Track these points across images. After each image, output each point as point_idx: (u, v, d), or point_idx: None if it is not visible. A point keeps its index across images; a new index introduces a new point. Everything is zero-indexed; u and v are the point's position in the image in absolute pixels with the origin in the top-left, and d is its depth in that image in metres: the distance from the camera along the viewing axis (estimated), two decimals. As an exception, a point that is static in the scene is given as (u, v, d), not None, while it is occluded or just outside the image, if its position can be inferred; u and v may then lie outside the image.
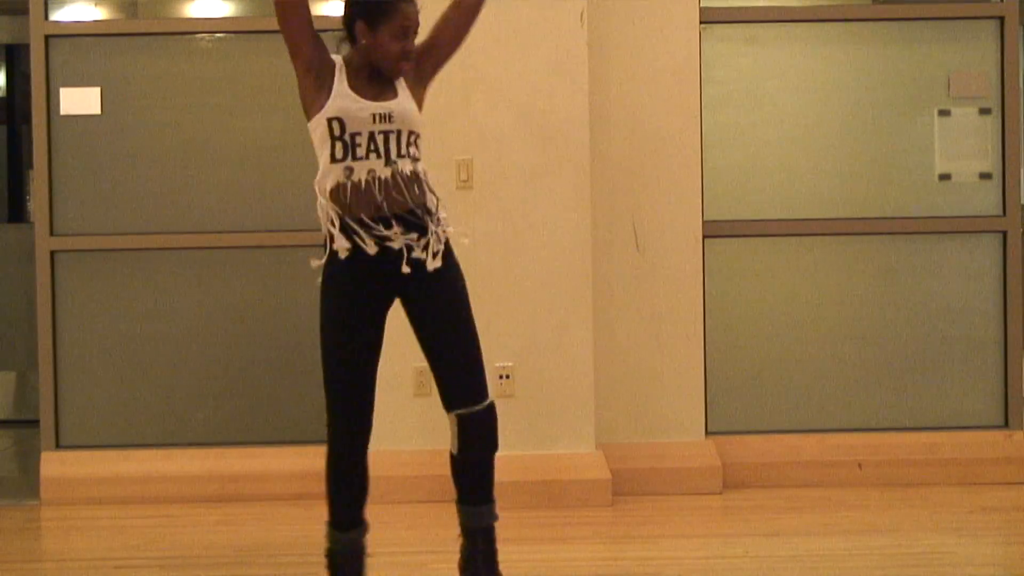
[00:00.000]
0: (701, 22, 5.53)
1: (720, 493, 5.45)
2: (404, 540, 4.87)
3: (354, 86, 3.65)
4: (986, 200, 5.70)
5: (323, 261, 3.71)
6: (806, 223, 5.68)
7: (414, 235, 3.63)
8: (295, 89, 5.59)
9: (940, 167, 5.70)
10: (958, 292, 5.71)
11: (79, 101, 5.60)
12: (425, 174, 3.69)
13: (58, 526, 5.26)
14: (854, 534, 4.84)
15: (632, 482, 5.41)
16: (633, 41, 5.48)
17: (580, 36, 5.33)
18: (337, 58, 3.74)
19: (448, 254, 3.70)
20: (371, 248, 3.61)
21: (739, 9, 5.70)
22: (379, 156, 3.58)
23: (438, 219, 3.69)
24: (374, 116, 3.59)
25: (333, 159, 3.60)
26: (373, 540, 5.00)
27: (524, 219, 5.33)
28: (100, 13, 5.88)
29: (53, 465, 5.56)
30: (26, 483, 5.80)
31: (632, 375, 5.51)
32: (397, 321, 5.48)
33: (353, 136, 3.58)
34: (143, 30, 5.66)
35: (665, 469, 5.46)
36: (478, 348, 3.73)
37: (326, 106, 3.61)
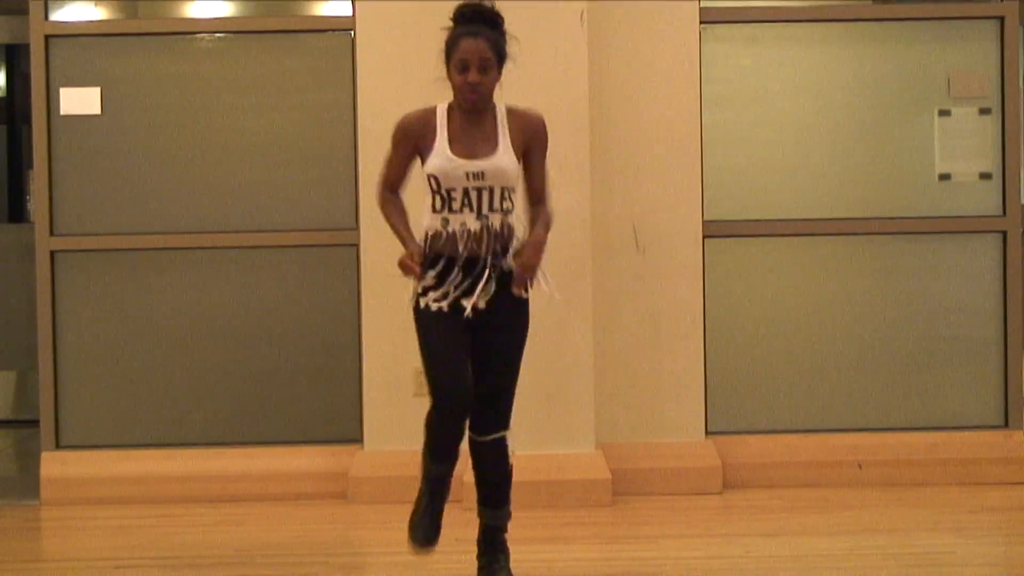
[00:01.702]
0: (701, 22, 5.53)
1: (720, 493, 5.45)
2: (404, 540, 4.86)
3: (453, 138, 3.93)
4: (986, 200, 5.70)
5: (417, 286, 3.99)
6: (806, 223, 5.68)
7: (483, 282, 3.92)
8: (295, 89, 5.65)
9: (940, 167, 5.70)
10: (958, 292, 5.71)
11: (79, 101, 5.60)
12: (515, 224, 3.96)
13: (58, 526, 5.26)
14: (854, 534, 4.84)
15: (632, 482, 5.41)
16: (633, 41, 5.48)
17: (580, 36, 5.33)
18: (440, 110, 3.97)
19: (520, 303, 4.02)
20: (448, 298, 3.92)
21: (739, 9, 5.70)
22: (472, 210, 3.88)
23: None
24: (467, 175, 3.88)
25: (433, 209, 3.92)
26: (373, 540, 5.02)
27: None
28: (100, 13, 5.88)
29: (53, 465, 5.56)
30: (26, 483, 5.80)
31: (632, 375, 5.51)
32: (398, 320, 5.49)
33: (449, 192, 3.89)
34: (143, 30, 5.66)
35: (665, 469, 5.46)
36: (511, 388, 4.07)
37: (427, 162, 3.93)
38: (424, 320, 3.95)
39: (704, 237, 5.55)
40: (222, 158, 5.63)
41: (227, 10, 5.96)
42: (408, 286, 3.99)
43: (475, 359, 3.98)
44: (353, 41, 5.47)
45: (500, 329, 3.98)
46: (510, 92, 5.31)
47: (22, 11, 5.69)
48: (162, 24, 5.76)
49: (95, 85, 5.61)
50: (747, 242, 5.67)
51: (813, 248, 5.70)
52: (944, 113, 5.69)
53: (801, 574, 4.38)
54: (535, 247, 3.88)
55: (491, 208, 3.88)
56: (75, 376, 5.62)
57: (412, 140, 3.97)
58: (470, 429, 4.02)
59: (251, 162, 5.63)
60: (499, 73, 3.93)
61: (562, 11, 5.32)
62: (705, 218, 5.55)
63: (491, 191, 3.88)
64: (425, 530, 4.04)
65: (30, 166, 6.51)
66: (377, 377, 5.44)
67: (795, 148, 5.71)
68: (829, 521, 5.04)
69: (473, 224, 3.87)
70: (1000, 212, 5.68)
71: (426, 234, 3.93)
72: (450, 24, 3.94)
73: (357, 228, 5.48)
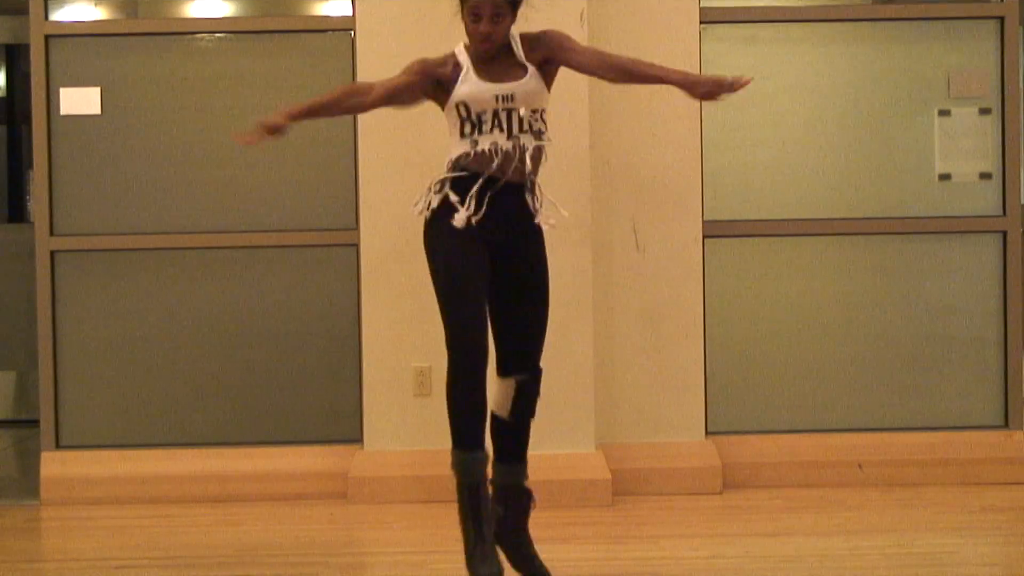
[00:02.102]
0: (701, 22, 5.53)
1: (720, 493, 5.45)
2: (404, 540, 4.88)
3: (479, 70, 3.95)
4: (986, 200, 5.70)
5: (427, 214, 3.98)
6: (806, 223, 5.68)
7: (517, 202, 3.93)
8: (295, 89, 5.63)
9: (940, 167, 5.70)
10: (958, 292, 5.71)
11: (79, 101, 5.60)
12: (546, 146, 3.98)
13: (58, 526, 5.26)
14: (854, 534, 4.84)
15: (632, 482, 5.41)
16: (633, 41, 5.47)
17: (580, 36, 5.31)
18: (458, 50, 4.01)
19: (539, 233, 4.01)
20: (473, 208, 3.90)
21: (739, 9, 5.70)
22: (502, 131, 3.89)
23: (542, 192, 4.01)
24: (496, 97, 3.90)
25: (462, 134, 3.93)
26: (373, 540, 5.02)
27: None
28: (100, 13, 5.88)
29: (53, 465, 5.55)
30: (26, 483, 5.80)
31: (632, 375, 5.51)
32: (398, 320, 5.49)
33: (479, 115, 3.90)
34: (143, 30, 5.66)
35: (665, 469, 5.46)
36: (546, 322, 4.06)
37: (454, 92, 3.93)
38: (440, 239, 3.92)
39: (704, 237, 5.55)
40: (222, 158, 5.63)
41: (227, 10, 5.96)
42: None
43: (503, 293, 3.94)
44: (353, 41, 5.47)
45: (526, 259, 3.97)
46: (510, 92, 5.33)
47: (22, 11, 5.69)
48: (162, 24, 5.76)
49: (95, 85, 5.61)
50: (747, 242, 5.67)
51: (813, 248, 5.70)
52: (944, 113, 5.69)
53: (801, 574, 4.37)
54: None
55: (521, 129, 3.90)
56: (75, 376, 5.62)
57: (431, 73, 3.97)
58: (518, 372, 3.99)
59: (251, 162, 5.62)
60: (514, 16, 3.97)
61: (562, 11, 5.31)
62: (705, 218, 5.55)
63: (520, 112, 3.90)
64: (487, 563, 3.86)
65: (30, 166, 6.51)
66: (377, 377, 5.44)
67: (795, 148, 5.70)
68: (829, 521, 5.04)
69: (504, 143, 3.88)
70: (1000, 212, 5.68)
71: (453, 159, 3.93)
72: None
73: (357, 228, 5.47)
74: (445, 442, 3.94)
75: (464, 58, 3.97)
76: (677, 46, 5.47)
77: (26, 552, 4.95)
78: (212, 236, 5.60)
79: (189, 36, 5.65)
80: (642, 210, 5.50)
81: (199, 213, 5.62)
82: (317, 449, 5.57)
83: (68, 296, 5.62)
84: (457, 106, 3.92)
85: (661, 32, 5.47)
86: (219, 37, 5.66)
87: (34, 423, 5.90)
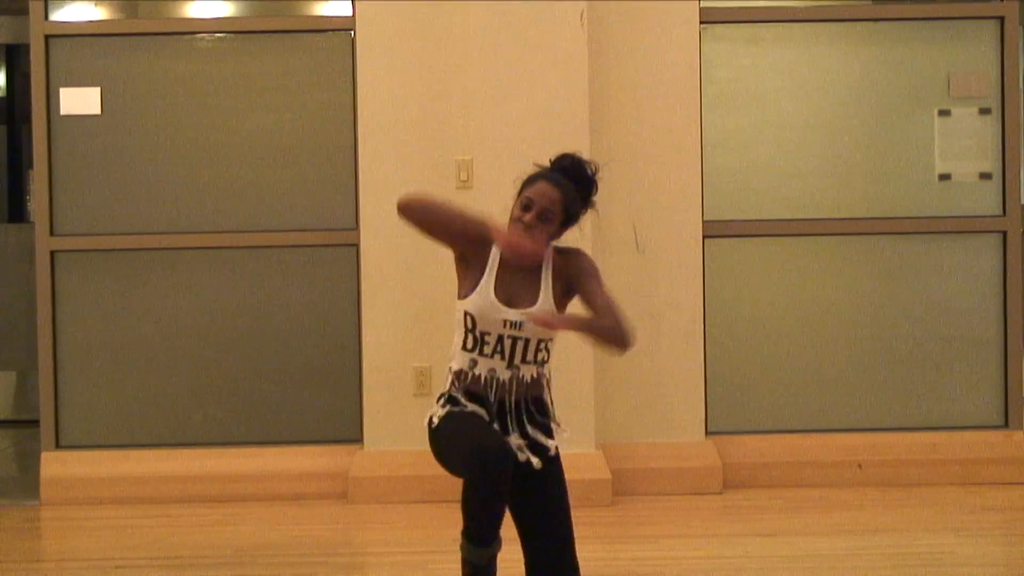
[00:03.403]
0: (701, 22, 5.53)
1: (720, 493, 5.45)
2: (404, 540, 4.88)
3: (500, 279, 3.66)
4: (986, 200, 5.70)
5: (438, 408, 3.72)
6: (806, 223, 5.68)
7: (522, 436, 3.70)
8: (295, 89, 5.64)
9: (940, 167, 5.70)
10: (958, 292, 5.71)
11: (79, 101, 5.60)
12: (548, 376, 3.77)
13: (58, 526, 5.26)
14: (854, 534, 4.84)
15: (632, 482, 5.41)
16: (633, 41, 5.48)
17: (580, 36, 5.33)
18: (494, 247, 3.69)
19: (554, 455, 3.74)
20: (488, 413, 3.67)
21: (739, 9, 5.70)
22: (503, 358, 3.66)
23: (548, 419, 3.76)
24: (505, 322, 3.65)
25: (464, 347, 3.68)
26: (373, 540, 5.02)
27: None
28: (100, 13, 5.88)
29: (53, 465, 5.55)
30: (26, 483, 5.80)
31: (632, 375, 5.51)
32: (398, 321, 5.50)
33: (483, 334, 3.65)
34: (143, 30, 5.66)
35: (665, 469, 5.46)
36: (571, 533, 3.78)
37: (468, 298, 3.67)
38: (447, 421, 3.65)
39: (704, 237, 5.55)
40: (222, 158, 5.63)
41: (227, 10, 5.96)
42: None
43: (524, 516, 3.70)
44: (353, 41, 5.47)
45: (544, 481, 3.68)
46: (510, 92, 5.34)
47: (22, 11, 5.69)
48: (162, 24, 5.75)
49: (95, 85, 5.61)
50: (747, 242, 5.67)
51: (813, 248, 5.70)
52: (944, 113, 5.69)
53: (801, 574, 4.38)
54: (549, 316, 3.63)
55: (524, 360, 3.66)
56: (75, 376, 5.62)
57: (467, 241, 3.68)
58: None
59: (251, 162, 5.62)
60: (559, 233, 3.69)
61: (562, 11, 5.32)
62: (705, 218, 5.55)
63: (526, 342, 3.65)
64: None
65: (30, 166, 6.51)
66: (377, 377, 5.44)
67: (795, 148, 5.70)
68: (829, 521, 5.04)
69: (503, 373, 3.65)
70: (1000, 212, 5.68)
71: (453, 371, 3.70)
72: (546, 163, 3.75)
73: (357, 228, 5.47)
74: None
75: (494, 260, 3.66)
76: (677, 46, 5.48)
77: (26, 552, 4.95)
78: (212, 236, 5.60)
79: (189, 36, 5.65)
80: (642, 210, 5.50)
81: (199, 213, 5.62)
82: (317, 449, 5.57)
83: (68, 296, 5.62)
84: (465, 314, 3.66)
85: (661, 32, 5.47)
86: (219, 37, 5.66)
87: (34, 423, 5.90)
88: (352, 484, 5.41)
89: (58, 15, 5.67)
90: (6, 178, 7.93)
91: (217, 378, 5.64)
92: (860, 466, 5.58)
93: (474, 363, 3.66)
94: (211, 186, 5.63)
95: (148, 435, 5.63)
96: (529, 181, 3.70)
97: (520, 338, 3.65)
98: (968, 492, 5.44)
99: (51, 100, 5.59)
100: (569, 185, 3.71)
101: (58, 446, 5.60)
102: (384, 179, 5.37)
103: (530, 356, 3.68)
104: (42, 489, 5.53)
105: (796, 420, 5.69)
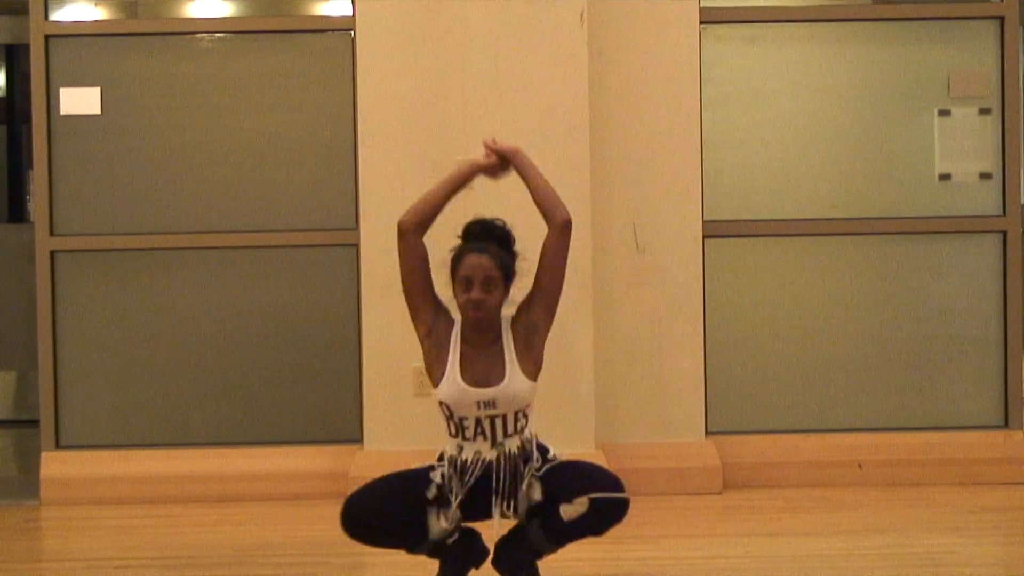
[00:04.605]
0: (701, 22, 5.53)
1: (720, 493, 5.45)
2: (404, 540, 4.87)
3: (464, 360, 3.76)
4: (986, 200, 5.70)
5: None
6: (806, 223, 5.68)
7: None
8: (295, 89, 5.65)
9: (940, 167, 5.70)
10: (958, 292, 5.71)
11: (79, 101, 5.60)
12: (532, 439, 3.82)
13: (58, 526, 5.26)
14: (854, 534, 4.84)
15: (632, 482, 5.37)
16: (633, 41, 5.48)
17: (580, 36, 5.33)
18: (455, 327, 3.83)
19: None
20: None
21: (739, 9, 5.70)
22: (485, 439, 3.75)
23: (532, 470, 3.80)
24: (478, 404, 3.73)
25: (449, 434, 3.81)
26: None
27: (524, 219, 5.31)
28: (100, 13, 5.88)
29: (53, 465, 5.56)
30: (26, 483, 5.80)
31: (632, 375, 5.51)
32: (398, 320, 5.49)
33: (461, 420, 3.76)
34: (143, 30, 5.66)
35: (665, 469, 5.46)
36: (584, 465, 3.88)
37: (439, 388, 3.78)
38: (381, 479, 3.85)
39: (704, 237, 5.55)
40: (222, 158, 5.63)
41: (227, 10, 5.96)
42: None
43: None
44: (353, 41, 5.47)
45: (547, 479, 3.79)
46: (510, 92, 5.33)
47: (22, 11, 5.69)
48: (162, 24, 5.76)
49: (95, 85, 5.61)
50: (747, 242, 5.67)
51: (813, 248, 5.71)
52: (944, 113, 5.69)
53: (801, 574, 4.37)
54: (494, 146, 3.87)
55: (506, 434, 3.76)
56: (75, 376, 5.62)
57: (439, 316, 3.82)
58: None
59: (251, 162, 5.63)
60: (506, 292, 3.78)
61: (562, 11, 5.32)
62: (705, 218, 5.55)
63: (504, 418, 3.74)
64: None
65: (30, 166, 6.51)
66: (377, 377, 5.44)
67: (795, 148, 5.71)
68: (829, 521, 5.04)
69: (488, 453, 3.75)
70: (1000, 212, 5.68)
71: (445, 456, 3.82)
72: (459, 240, 3.83)
73: (357, 228, 5.48)
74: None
75: (456, 344, 3.78)
76: (677, 46, 5.48)
77: (26, 552, 4.95)
78: (212, 236, 5.60)
79: (189, 36, 5.65)
80: (642, 210, 5.50)
81: (199, 213, 5.62)
82: (317, 449, 5.57)
83: (68, 296, 5.62)
84: (440, 403, 3.77)
85: (661, 32, 5.47)
86: (219, 37, 5.66)
87: (34, 423, 5.90)
88: (352, 484, 5.38)
89: (58, 15, 5.67)
90: (6, 178, 7.93)
91: (217, 378, 5.64)
92: (860, 466, 5.58)
93: (460, 448, 3.77)
94: (211, 186, 5.63)
95: (148, 435, 5.63)
96: (455, 263, 3.78)
97: (497, 416, 3.75)
98: (968, 492, 5.44)
99: (51, 100, 5.59)
100: (491, 246, 3.79)
101: (58, 446, 5.60)
102: (384, 179, 5.37)
103: (511, 429, 3.77)
104: (42, 489, 5.53)
105: (796, 420, 5.69)
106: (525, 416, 3.80)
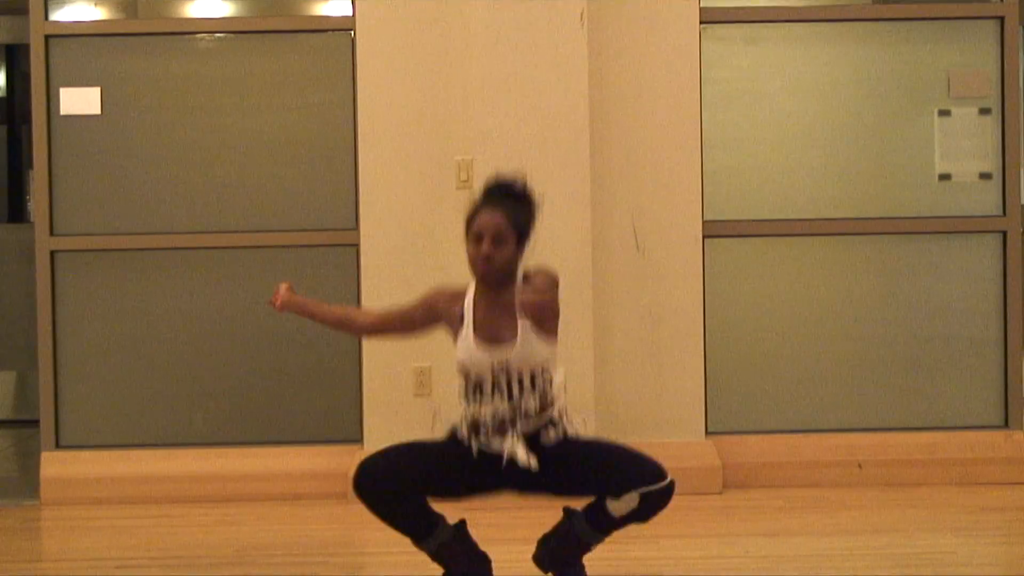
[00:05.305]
0: (701, 22, 5.53)
1: (720, 493, 5.45)
2: (404, 540, 4.85)
3: (479, 322, 3.81)
4: (986, 200, 5.70)
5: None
6: (806, 223, 5.68)
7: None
8: (295, 89, 5.64)
9: (940, 167, 5.70)
10: (958, 292, 5.71)
11: (79, 101, 5.60)
12: (552, 392, 3.84)
13: (58, 526, 5.26)
14: (854, 534, 4.84)
15: (632, 482, 5.40)
16: (633, 41, 5.48)
17: (580, 36, 5.33)
18: (470, 291, 3.85)
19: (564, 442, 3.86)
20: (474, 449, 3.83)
21: (739, 9, 5.70)
22: (503, 397, 3.79)
23: (552, 421, 3.84)
24: (492, 366, 3.78)
25: (465, 395, 3.84)
26: (373, 540, 5.00)
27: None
28: (100, 13, 5.88)
29: (53, 465, 5.56)
30: (26, 483, 5.81)
31: (632, 375, 5.51)
32: (397, 321, 5.46)
33: (479, 381, 3.80)
34: (143, 30, 5.66)
35: (665, 469, 5.45)
36: (622, 452, 4.00)
37: (456, 349, 3.84)
38: (436, 444, 3.91)
39: (704, 237, 5.55)
40: (222, 158, 5.63)
41: (227, 10, 5.96)
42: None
43: (574, 487, 3.89)
44: (353, 41, 5.47)
45: (559, 468, 3.83)
46: (510, 92, 5.34)
47: (22, 11, 5.69)
48: (162, 24, 5.76)
49: (95, 85, 5.61)
50: (747, 242, 5.67)
51: (813, 248, 5.71)
52: (944, 113, 5.69)
53: (801, 574, 4.37)
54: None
55: (521, 390, 3.79)
56: (75, 376, 5.62)
57: (436, 311, 3.89)
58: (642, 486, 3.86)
59: (251, 162, 5.63)
60: (519, 249, 3.79)
61: (562, 11, 5.32)
62: (705, 218, 5.55)
63: (520, 375, 3.78)
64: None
65: (30, 166, 6.51)
66: (377, 377, 5.44)
67: (795, 148, 5.71)
68: (829, 521, 5.04)
69: (506, 412, 3.78)
70: (1000, 212, 5.68)
71: (467, 420, 3.84)
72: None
73: (357, 228, 5.48)
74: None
75: (470, 306, 3.82)
76: (677, 46, 5.48)
77: (26, 552, 4.95)
78: (212, 236, 5.60)
79: (189, 36, 5.65)
80: (642, 210, 5.50)
81: (199, 213, 5.62)
82: (317, 449, 5.57)
83: (68, 296, 5.62)
84: (459, 362, 3.83)
85: (661, 32, 5.47)
86: (219, 37, 5.66)
87: (34, 423, 5.90)
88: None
89: (58, 15, 5.67)
90: (6, 178, 7.93)
91: (217, 378, 5.64)
92: (860, 466, 5.58)
93: (479, 410, 3.80)
94: (211, 186, 5.63)
95: (148, 435, 5.63)
96: (470, 219, 3.81)
97: (512, 372, 3.77)
98: (968, 492, 5.44)
99: (51, 100, 5.59)
100: (508, 202, 3.81)
101: (58, 446, 5.61)
102: (384, 179, 5.37)
103: (526, 384, 3.78)
104: (42, 489, 5.53)
105: (796, 420, 5.69)
106: (545, 379, 3.82)
